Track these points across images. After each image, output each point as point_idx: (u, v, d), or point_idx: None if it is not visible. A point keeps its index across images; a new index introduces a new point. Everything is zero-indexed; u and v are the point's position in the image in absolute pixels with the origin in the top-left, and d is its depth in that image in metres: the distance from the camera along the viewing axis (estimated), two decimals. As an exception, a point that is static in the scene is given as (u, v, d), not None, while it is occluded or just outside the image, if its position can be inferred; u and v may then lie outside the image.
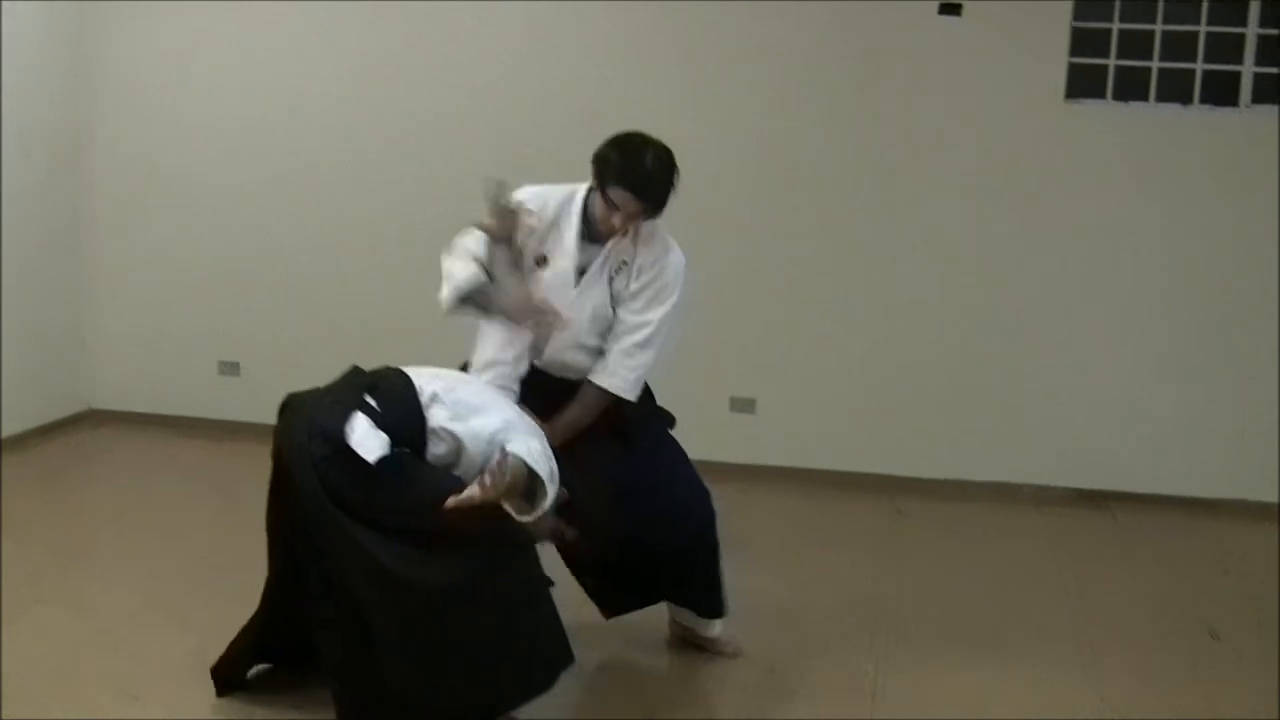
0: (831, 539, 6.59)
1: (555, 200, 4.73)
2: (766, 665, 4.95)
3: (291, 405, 4.29)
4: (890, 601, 5.71)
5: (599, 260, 4.69)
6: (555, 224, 4.70)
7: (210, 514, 6.42)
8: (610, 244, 4.68)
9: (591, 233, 4.69)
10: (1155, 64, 7.15)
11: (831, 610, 5.57)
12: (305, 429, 4.11)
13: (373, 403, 4.14)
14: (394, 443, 4.07)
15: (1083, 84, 7.20)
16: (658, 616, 5.15)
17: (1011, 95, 7.22)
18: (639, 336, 4.67)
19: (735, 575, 5.80)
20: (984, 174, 7.29)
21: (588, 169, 4.78)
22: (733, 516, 6.73)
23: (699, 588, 5.02)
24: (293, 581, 4.31)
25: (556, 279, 4.67)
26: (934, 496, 7.35)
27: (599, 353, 4.74)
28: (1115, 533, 6.87)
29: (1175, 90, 7.15)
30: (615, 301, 4.70)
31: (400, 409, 4.16)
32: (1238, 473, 7.27)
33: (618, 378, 4.67)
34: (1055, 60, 7.16)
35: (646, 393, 4.94)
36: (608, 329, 4.72)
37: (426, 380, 4.25)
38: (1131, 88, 7.19)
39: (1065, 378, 7.36)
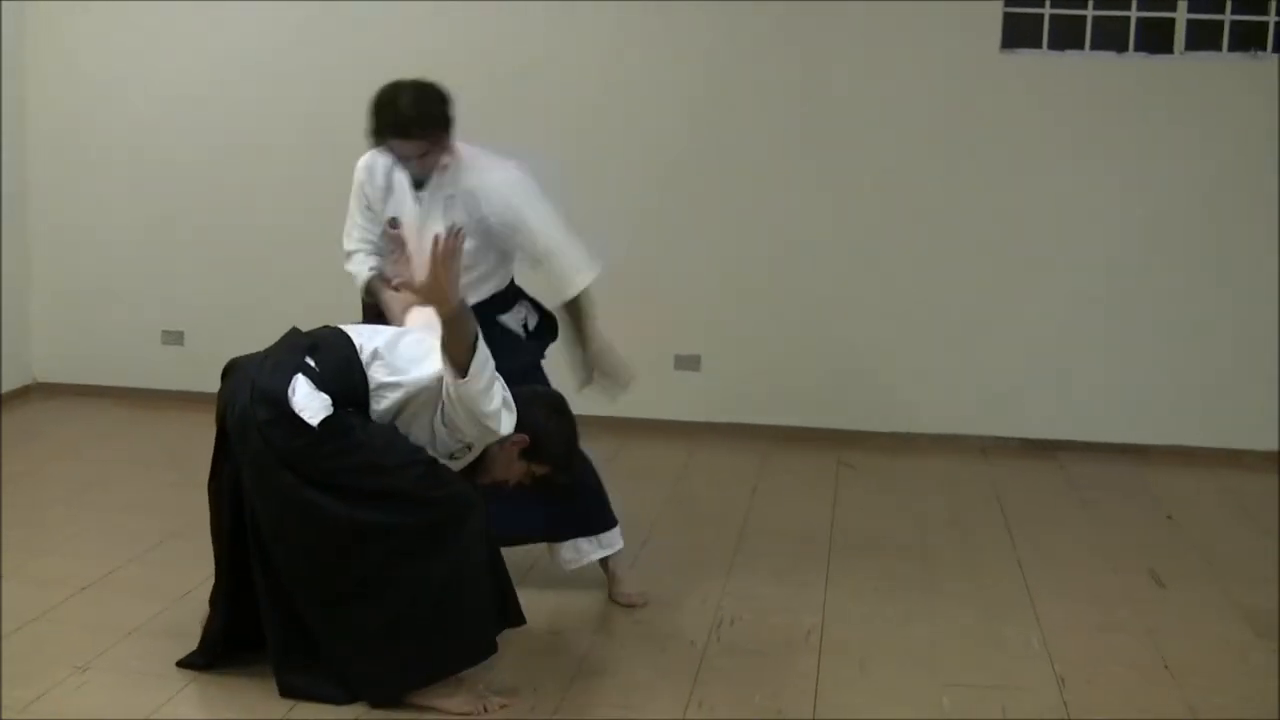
0: (778, 494, 6.61)
1: (382, 164, 4.98)
2: (713, 621, 4.97)
3: (233, 369, 4.30)
4: (837, 554, 5.74)
5: (426, 202, 4.90)
6: (390, 186, 4.96)
7: (160, 484, 6.38)
8: (431, 184, 4.88)
9: (417, 181, 4.91)
10: (1090, 12, 7.18)
11: (778, 565, 5.60)
12: (247, 393, 4.12)
13: (313, 364, 4.15)
14: (337, 403, 4.09)
15: (1018, 34, 7.23)
16: (598, 582, 5.21)
17: (947, 46, 7.24)
18: (540, 245, 4.92)
19: (681, 533, 5.90)
20: (921, 126, 7.32)
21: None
22: (679, 474, 6.83)
23: (582, 501, 5.04)
24: (236, 547, 4.31)
25: (408, 233, 4.86)
26: (881, 449, 7.39)
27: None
28: (1062, 481, 6.92)
29: (1110, 38, 7.19)
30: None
31: (341, 369, 4.17)
32: (1185, 420, 7.36)
33: (571, 278, 4.97)
34: (990, 10, 7.19)
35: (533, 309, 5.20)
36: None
37: (367, 337, 4.25)
38: (1066, 36, 7.22)
39: (1010, 328, 7.42)
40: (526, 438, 4.31)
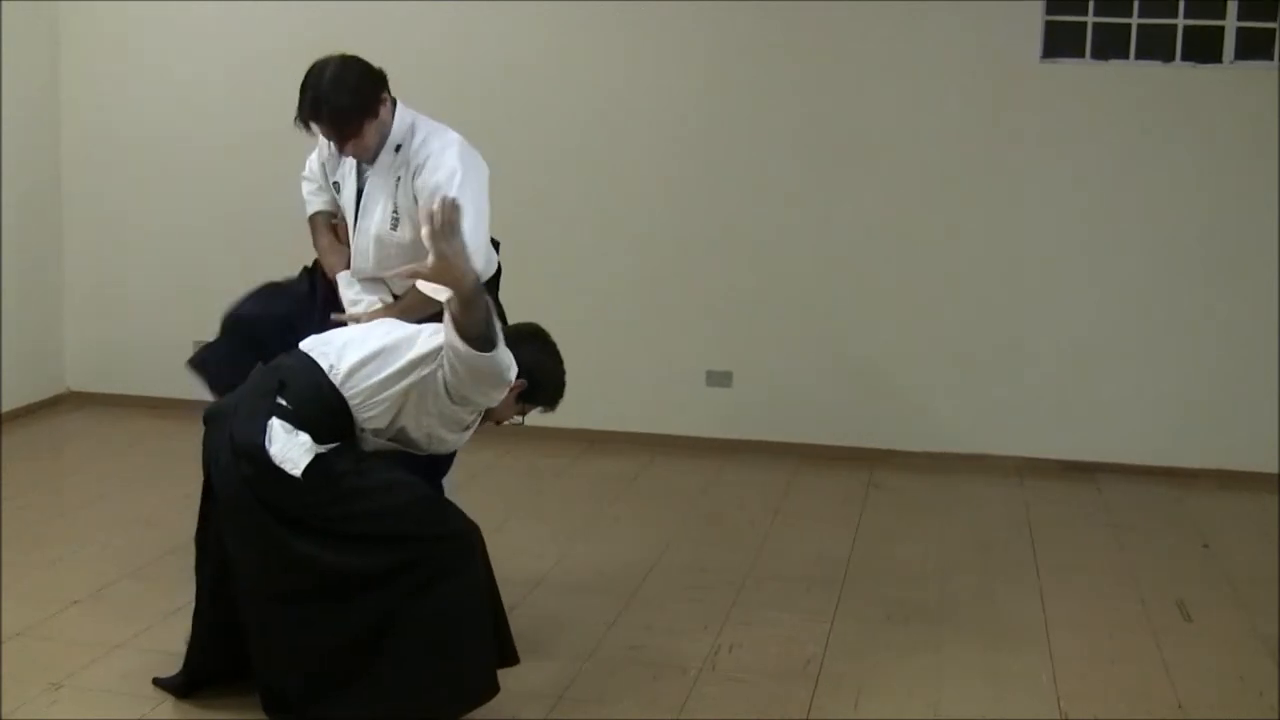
0: (801, 516, 6.44)
1: None
2: (711, 648, 4.82)
3: (212, 420, 4.17)
4: (851, 581, 5.56)
5: (371, 182, 4.70)
6: (339, 154, 4.74)
7: (172, 497, 6.28)
8: (381, 163, 4.67)
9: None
10: (1134, 20, 6.95)
11: (789, 591, 5.44)
12: (229, 449, 3.99)
13: (285, 402, 3.99)
14: (318, 437, 3.95)
15: (1060, 43, 7.02)
16: (600, 606, 5.13)
17: (987, 56, 7.06)
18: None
19: (695, 554, 5.76)
20: (959, 138, 7.14)
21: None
22: (704, 492, 6.69)
23: None
24: (223, 593, 4.22)
25: (345, 203, 4.79)
26: (913, 469, 7.20)
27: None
28: (1098, 506, 6.69)
29: (1156, 47, 6.96)
30: (404, 211, 4.65)
31: (315, 401, 4.01)
32: (1228, 443, 7.10)
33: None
34: (1031, 19, 6.99)
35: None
36: (398, 249, 4.64)
37: (335, 355, 4.07)
38: (1110, 45, 7.00)
39: (1050, 346, 7.20)
40: (524, 381, 4.18)
